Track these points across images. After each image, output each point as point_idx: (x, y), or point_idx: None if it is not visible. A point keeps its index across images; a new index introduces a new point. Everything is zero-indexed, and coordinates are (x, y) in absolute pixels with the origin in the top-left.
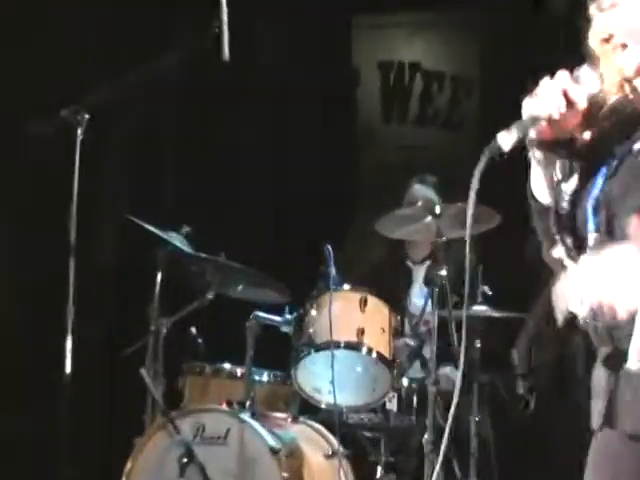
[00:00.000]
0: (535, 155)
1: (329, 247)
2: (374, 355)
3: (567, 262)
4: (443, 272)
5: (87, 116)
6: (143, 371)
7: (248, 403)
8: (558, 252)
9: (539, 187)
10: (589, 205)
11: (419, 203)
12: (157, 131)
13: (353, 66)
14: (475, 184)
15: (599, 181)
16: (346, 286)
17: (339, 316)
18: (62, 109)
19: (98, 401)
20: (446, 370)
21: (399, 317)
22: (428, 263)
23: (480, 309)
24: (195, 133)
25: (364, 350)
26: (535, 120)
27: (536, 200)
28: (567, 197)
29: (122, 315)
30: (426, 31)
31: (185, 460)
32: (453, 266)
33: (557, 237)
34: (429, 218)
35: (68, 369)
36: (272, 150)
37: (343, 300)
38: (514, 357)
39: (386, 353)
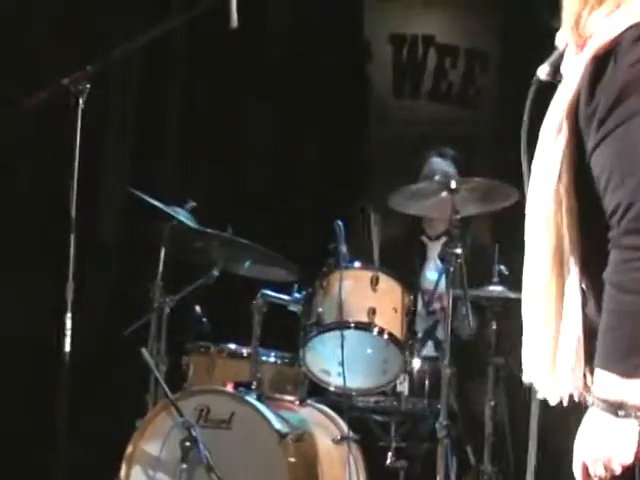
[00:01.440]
0: None
1: (339, 223)
2: (385, 336)
3: None
4: (458, 250)
5: (88, 85)
6: (144, 350)
7: (254, 385)
8: None
9: None
10: None
11: (436, 177)
12: (160, 102)
13: (364, 39)
14: (525, 124)
15: None
16: (357, 264)
17: (349, 295)
18: (63, 78)
19: (98, 381)
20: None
21: (412, 296)
22: (444, 239)
23: (496, 289)
24: (200, 104)
25: (375, 331)
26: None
27: None
28: None
29: (124, 292)
30: (440, 3)
31: (188, 444)
32: (470, 243)
33: None
34: (444, 193)
35: (67, 348)
36: (281, 124)
37: (353, 279)
38: None
39: (398, 334)
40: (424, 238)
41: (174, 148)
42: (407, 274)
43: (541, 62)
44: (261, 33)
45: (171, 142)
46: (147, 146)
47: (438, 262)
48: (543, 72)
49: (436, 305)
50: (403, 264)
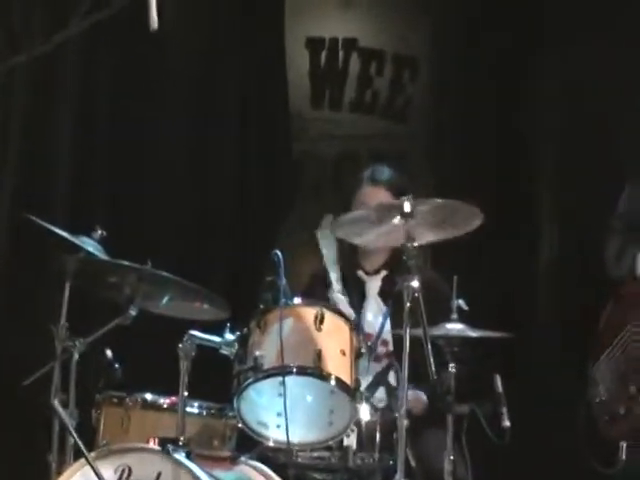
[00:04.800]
0: None
1: (278, 254)
2: (332, 382)
3: None
4: (415, 283)
5: None
6: (55, 402)
7: (182, 441)
8: None
9: None
10: None
11: (371, 211)
12: (51, 111)
13: (278, 44)
14: None
15: None
16: (298, 300)
17: (291, 336)
18: None
19: None
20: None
21: (360, 337)
22: (384, 273)
23: (455, 327)
24: (98, 115)
25: (321, 376)
26: None
27: None
28: None
29: (23, 336)
30: (363, 2)
31: None
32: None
33: None
34: (397, 219)
35: None
36: (191, 139)
37: (295, 317)
38: (497, 383)
39: (347, 380)
40: (361, 273)
41: (68, 166)
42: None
43: (476, 67)
44: (171, 38)
45: (64, 158)
46: (35, 163)
47: (379, 300)
48: None
49: (381, 349)
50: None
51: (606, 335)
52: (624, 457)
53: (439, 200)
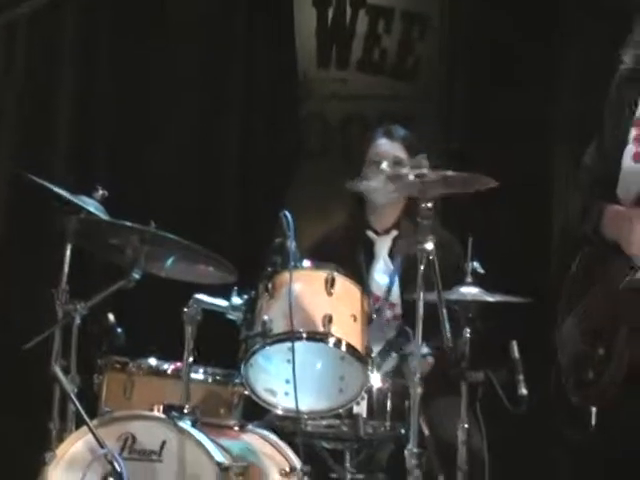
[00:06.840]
0: None
1: (287, 215)
2: (343, 348)
3: None
4: (429, 245)
5: None
6: (56, 368)
7: (187, 408)
8: None
9: None
10: None
11: (384, 164)
12: (55, 70)
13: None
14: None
15: None
16: (307, 263)
17: (300, 300)
18: None
19: None
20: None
21: (371, 301)
22: (395, 233)
23: (470, 291)
24: (99, 79)
25: (331, 342)
26: None
27: None
28: None
29: (22, 300)
30: None
31: None
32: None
33: None
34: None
35: None
36: (196, 98)
37: (305, 281)
38: (513, 349)
39: (358, 346)
40: (370, 233)
41: (68, 129)
42: (353, 274)
43: (489, 25)
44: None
45: (64, 122)
46: (34, 127)
47: (388, 261)
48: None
49: (388, 312)
50: (346, 265)
51: (574, 294)
52: (594, 422)
53: (452, 173)
